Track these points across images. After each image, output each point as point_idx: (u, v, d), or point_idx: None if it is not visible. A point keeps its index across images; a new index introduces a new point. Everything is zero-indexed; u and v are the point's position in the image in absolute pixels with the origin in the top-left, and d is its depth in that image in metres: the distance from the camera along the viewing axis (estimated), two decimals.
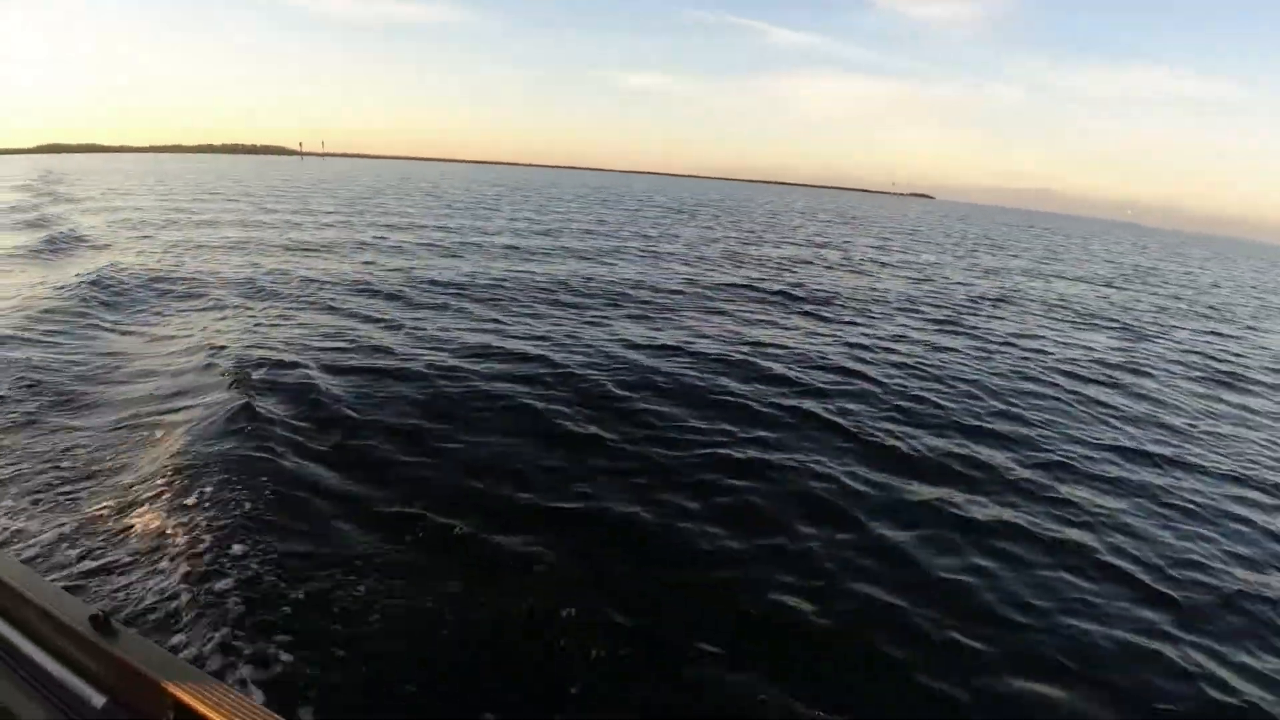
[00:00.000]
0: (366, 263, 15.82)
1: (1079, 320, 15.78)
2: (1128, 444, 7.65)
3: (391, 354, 8.16)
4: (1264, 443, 8.34)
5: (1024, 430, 7.73)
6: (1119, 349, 12.87)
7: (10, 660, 1.80)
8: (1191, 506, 6.26)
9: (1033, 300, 17.93)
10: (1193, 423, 8.78)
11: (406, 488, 4.95)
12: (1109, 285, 23.45)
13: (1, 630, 1.86)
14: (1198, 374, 11.71)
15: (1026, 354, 11.57)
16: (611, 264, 17.84)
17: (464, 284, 13.63)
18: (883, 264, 23.10)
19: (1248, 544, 5.72)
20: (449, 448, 5.69)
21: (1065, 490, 6.28)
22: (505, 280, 14.30)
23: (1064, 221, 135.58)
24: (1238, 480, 7.00)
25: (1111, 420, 8.46)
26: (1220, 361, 12.98)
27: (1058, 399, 9.08)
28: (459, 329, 9.99)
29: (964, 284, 19.61)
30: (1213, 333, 16.38)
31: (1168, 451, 7.57)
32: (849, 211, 70.74)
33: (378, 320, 10.21)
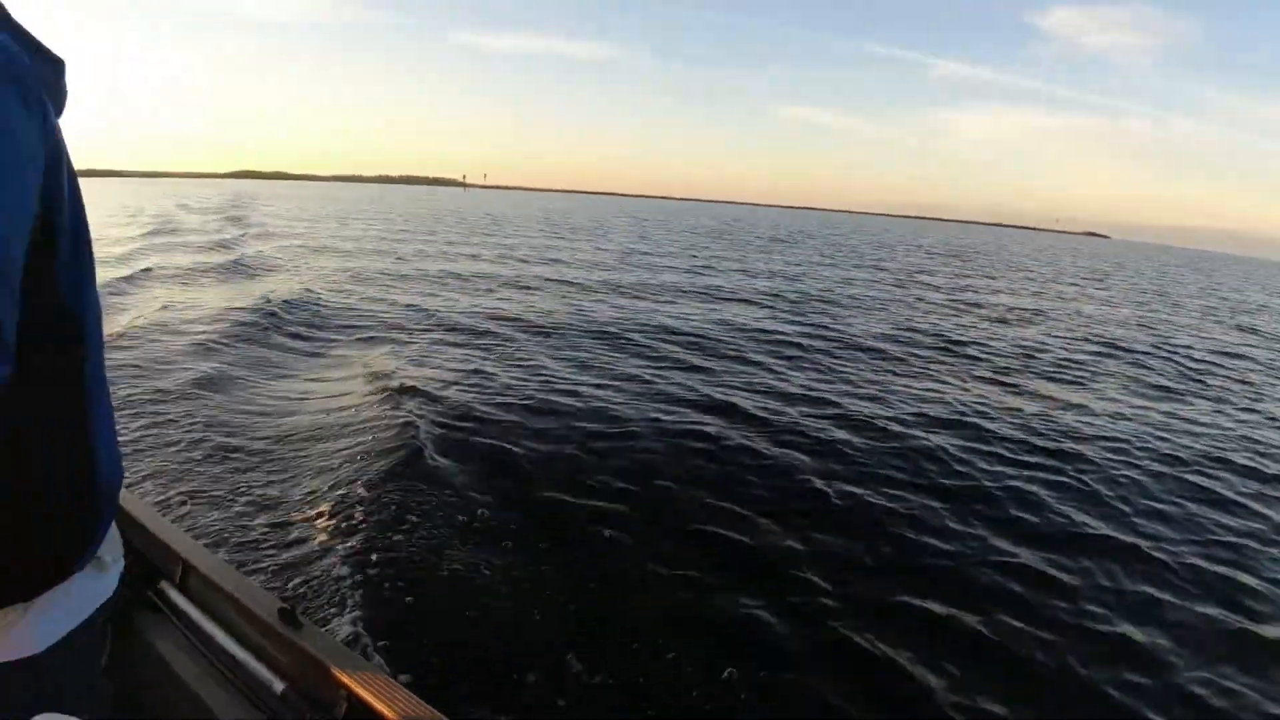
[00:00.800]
0: (534, 295, 14.92)
1: None
2: None
3: (562, 393, 7.62)
4: None
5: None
6: None
7: (203, 646, 1.96)
8: None
9: None
10: None
11: (565, 521, 4.86)
12: None
13: (196, 618, 1.98)
14: None
15: None
16: (837, 310, 15.45)
17: (656, 325, 12.05)
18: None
19: None
20: (602, 484, 5.39)
21: None
22: (699, 322, 12.65)
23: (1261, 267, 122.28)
24: None
25: None
26: None
27: None
28: (641, 370, 8.86)
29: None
30: None
31: None
32: (1042, 252, 63.89)
33: (553, 358, 9.40)
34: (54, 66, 0.92)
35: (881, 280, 22.96)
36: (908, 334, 12.88)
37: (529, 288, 15.96)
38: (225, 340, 9.14)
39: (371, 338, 10.26)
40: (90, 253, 0.95)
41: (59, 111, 0.90)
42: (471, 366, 8.55)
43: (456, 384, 7.68)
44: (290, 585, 3.86)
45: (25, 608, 0.94)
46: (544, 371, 8.51)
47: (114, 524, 1.07)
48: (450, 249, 24.37)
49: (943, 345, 12.10)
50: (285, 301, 11.94)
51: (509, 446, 5.98)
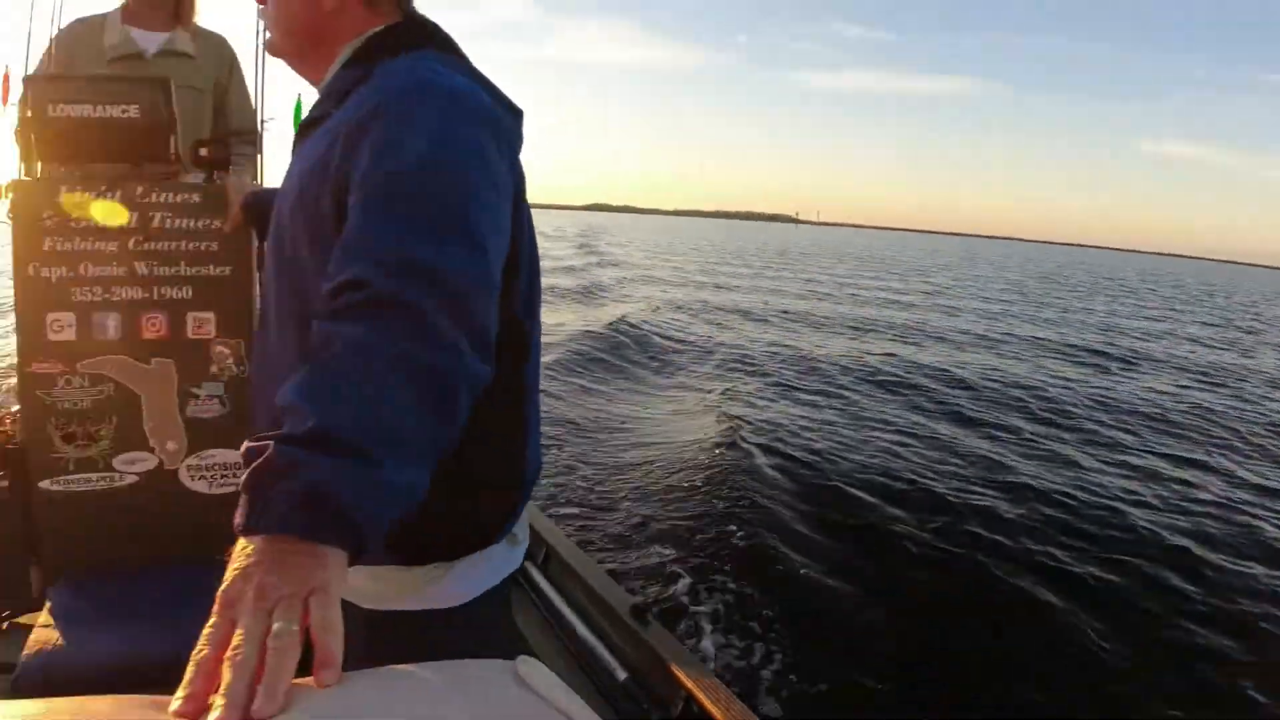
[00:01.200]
0: (868, 337, 14.23)
1: None
2: None
3: (892, 434, 7.59)
4: None
5: None
6: None
7: (556, 625, 2.18)
8: None
9: None
10: None
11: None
12: None
13: (554, 599, 2.24)
14: None
15: None
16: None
17: (1023, 387, 10.44)
18: None
19: None
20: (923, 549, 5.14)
21: None
22: (1084, 391, 10.61)
23: None
24: None
25: None
26: None
27: None
28: (992, 445, 7.67)
29: None
30: None
31: None
32: None
33: (888, 402, 9.12)
34: (514, 115, 1.04)
35: None
36: None
37: (861, 329, 15.60)
38: (578, 358, 9.94)
39: (706, 364, 10.65)
40: (539, 279, 1.10)
41: (517, 153, 1.01)
42: (807, 402, 8.67)
43: (792, 423, 7.76)
44: (636, 586, 4.20)
45: (447, 566, 1.07)
46: (880, 416, 8.40)
47: (524, 507, 1.17)
48: (779, 284, 24.49)
49: None
50: (629, 325, 12.75)
51: (840, 483, 6.01)
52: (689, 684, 1.86)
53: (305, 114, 1.11)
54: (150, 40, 2.51)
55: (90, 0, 2.62)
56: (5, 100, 2.38)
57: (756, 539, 4.93)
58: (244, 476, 0.66)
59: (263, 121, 2.59)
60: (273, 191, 1.81)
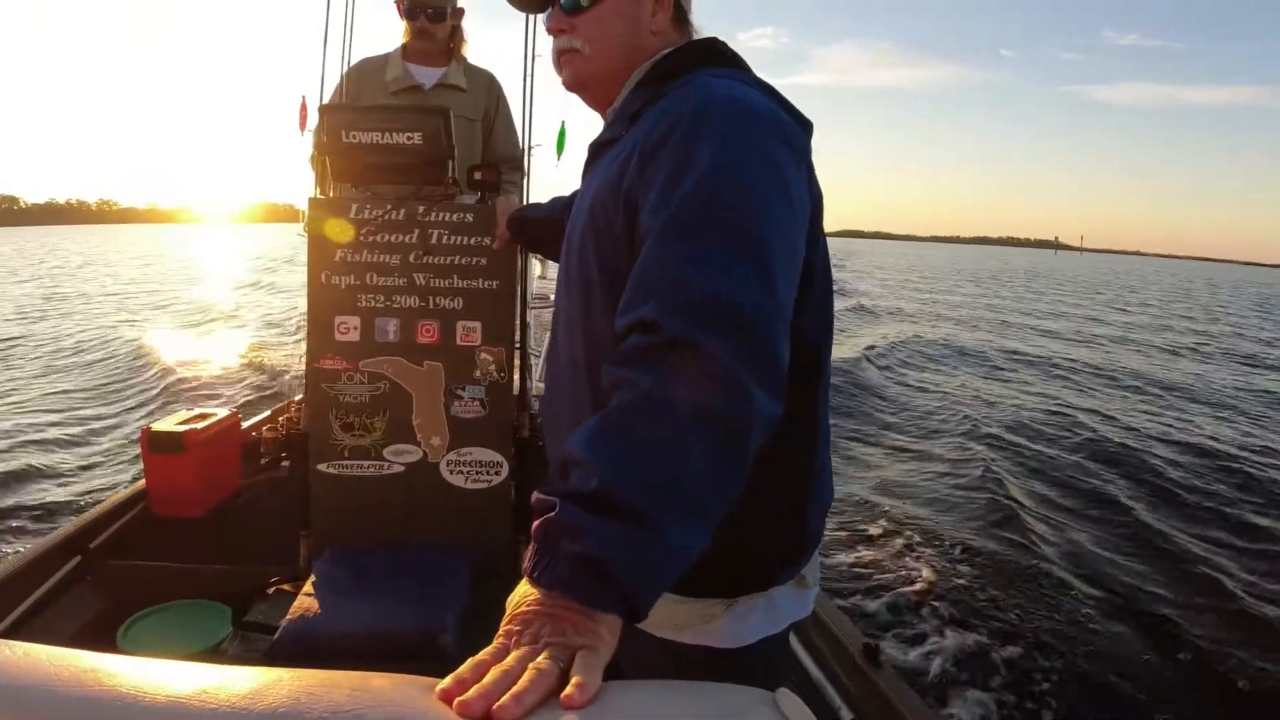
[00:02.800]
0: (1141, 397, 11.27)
1: None
2: None
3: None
4: None
5: None
6: None
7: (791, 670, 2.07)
8: None
9: None
10: None
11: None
12: None
13: (792, 645, 2.03)
14: None
15: None
16: None
17: None
18: None
19: None
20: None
21: None
22: None
23: None
24: None
25: None
26: None
27: None
28: None
29: None
30: None
31: None
32: None
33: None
34: (805, 129, 0.99)
35: None
36: None
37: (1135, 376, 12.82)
38: (846, 374, 10.01)
39: (953, 408, 9.96)
40: (831, 300, 1.03)
41: (812, 167, 0.97)
42: (1073, 442, 7.95)
43: (1049, 451, 7.41)
44: (877, 622, 4.03)
45: (726, 604, 1.01)
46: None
47: (817, 548, 1.10)
48: (1039, 318, 22.43)
49: None
50: (883, 350, 12.61)
51: (1096, 525, 5.58)
52: None
53: (594, 139, 1.12)
54: (427, 75, 2.79)
55: (374, 41, 2.97)
56: (303, 127, 2.74)
57: (1003, 582, 4.62)
58: (534, 526, 0.69)
59: (529, 147, 2.78)
60: (536, 208, 1.93)
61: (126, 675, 0.51)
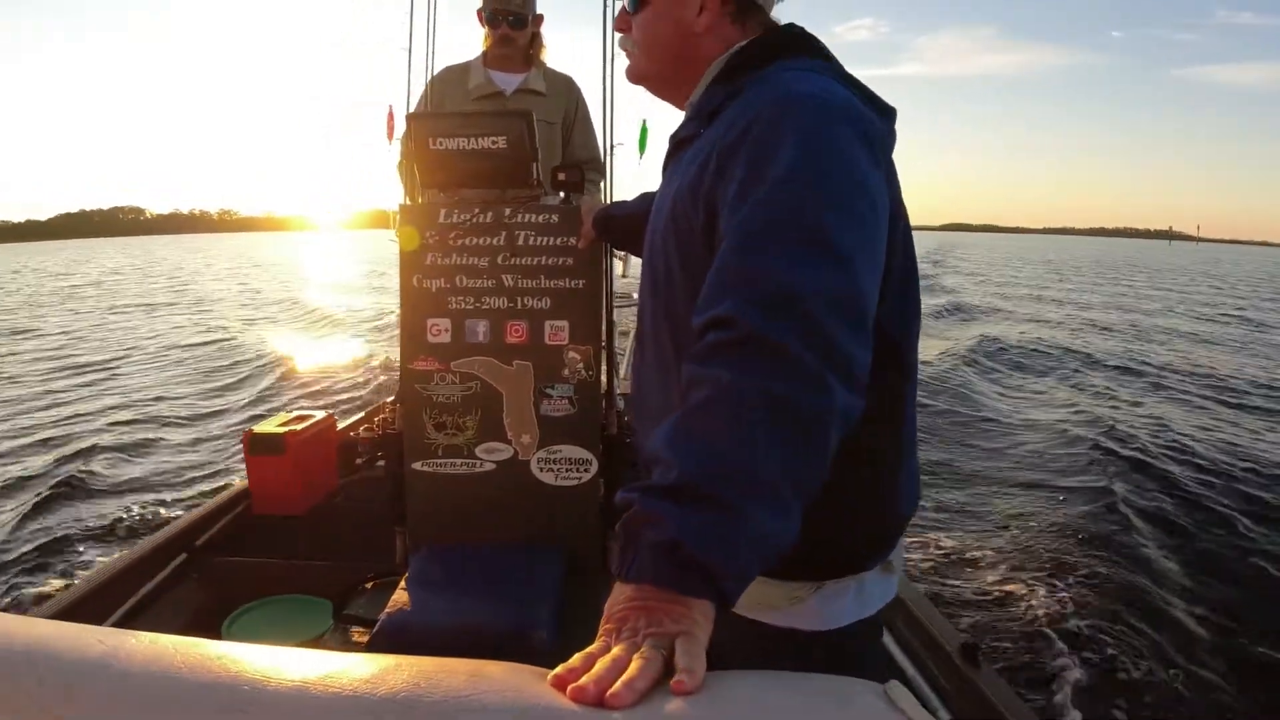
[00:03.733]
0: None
1: None
2: None
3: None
4: None
5: None
6: None
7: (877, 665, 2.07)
8: None
9: None
10: None
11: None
12: None
13: (886, 641, 2.02)
14: None
15: None
16: None
17: None
18: None
19: None
20: None
21: None
22: None
23: None
24: None
25: None
26: None
27: None
28: None
29: None
30: None
31: None
32: None
33: None
34: (886, 117, 0.99)
35: None
36: None
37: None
38: (944, 377, 9.91)
39: (1076, 382, 10.12)
40: (916, 284, 1.02)
41: (890, 152, 0.97)
42: (1194, 423, 7.83)
43: (1178, 447, 7.08)
44: (976, 620, 3.93)
45: (815, 587, 1.02)
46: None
47: (902, 536, 1.11)
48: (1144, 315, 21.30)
49: None
50: (987, 346, 12.47)
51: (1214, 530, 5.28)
52: None
53: (673, 133, 1.14)
54: (508, 81, 2.85)
55: (456, 50, 3.04)
56: (391, 136, 2.82)
57: (1121, 578, 4.43)
58: (618, 525, 0.72)
59: (611, 146, 2.80)
60: (622, 206, 1.94)
61: (250, 661, 0.53)
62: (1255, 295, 28.60)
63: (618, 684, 0.54)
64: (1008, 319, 17.07)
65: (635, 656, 0.59)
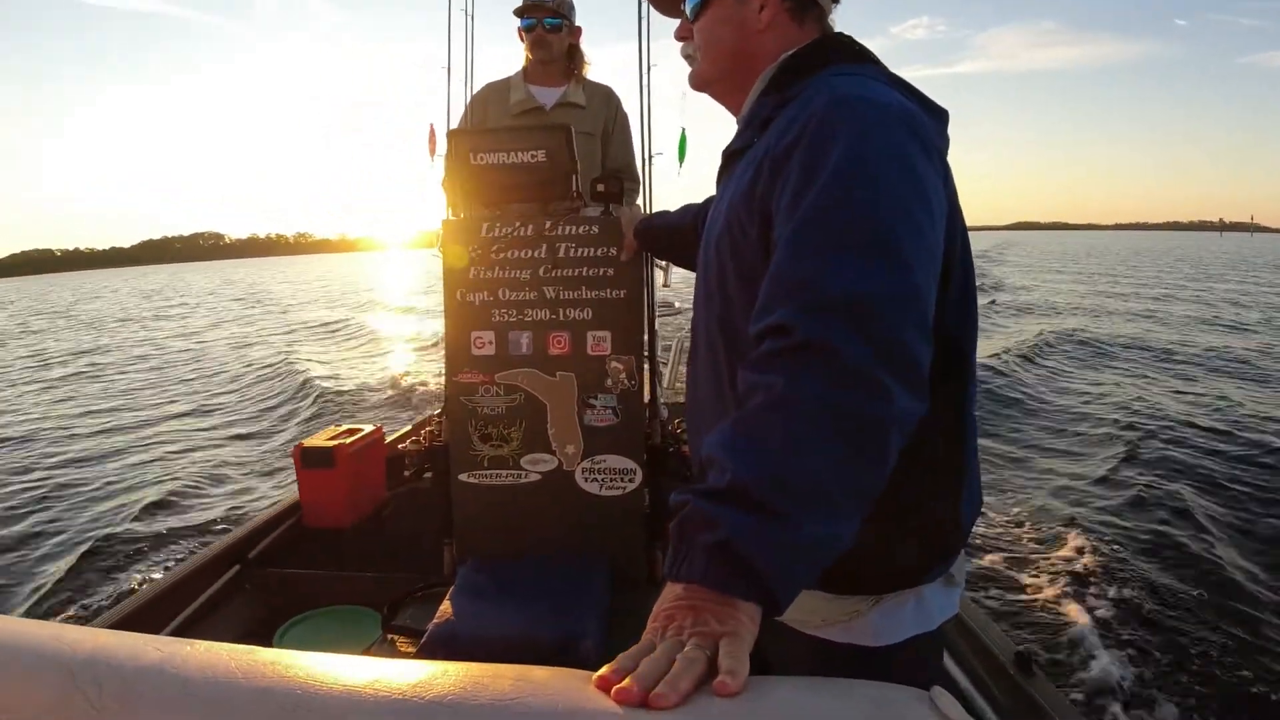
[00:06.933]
0: None
1: None
2: None
3: None
4: None
5: None
6: None
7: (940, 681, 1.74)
8: None
9: None
10: None
11: None
12: None
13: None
14: None
15: None
16: None
17: None
18: None
19: None
20: None
21: None
22: None
23: None
24: None
25: None
26: None
27: None
28: None
29: None
30: None
31: None
32: None
33: None
34: (939, 119, 0.99)
35: None
36: None
37: None
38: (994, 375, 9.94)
39: (1135, 382, 9.98)
40: (974, 287, 1.02)
41: (945, 155, 0.96)
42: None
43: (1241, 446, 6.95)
44: (1031, 629, 3.90)
45: (874, 601, 1.01)
46: None
47: (964, 547, 1.10)
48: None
49: None
50: (1033, 349, 12.35)
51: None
52: None
53: (726, 145, 1.14)
54: (548, 95, 2.88)
55: (495, 66, 3.08)
56: (433, 152, 2.86)
57: (1181, 586, 4.33)
58: (671, 525, 0.72)
59: (649, 156, 2.81)
60: (664, 216, 1.95)
61: (302, 668, 0.55)
62: None
63: (661, 685, 0.55)
64: (1059, 315, 16.91)
65: (679, 657, 0.59)
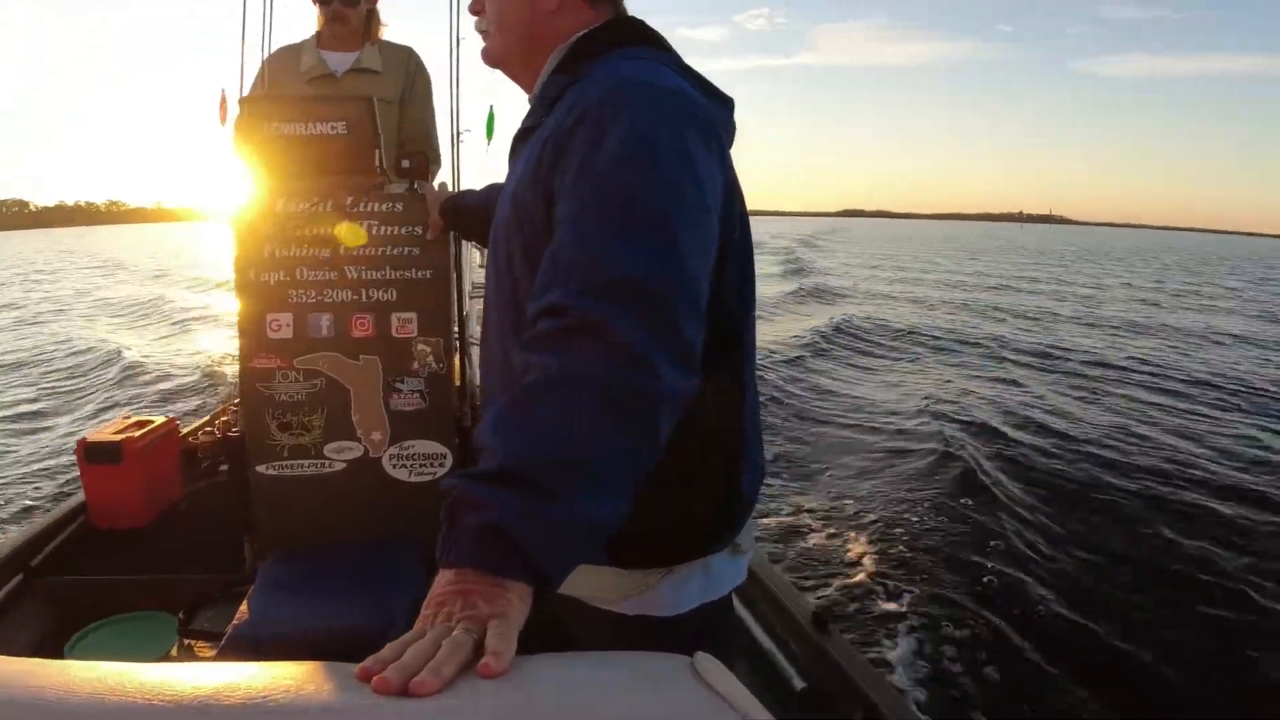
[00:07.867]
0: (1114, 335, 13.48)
1: None
2: None
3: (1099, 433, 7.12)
4: None
5: None
6: None
7: (742, 640, 2.11)
8: None
9: None
10: None
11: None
12: None
13: (736, 609, 1.97)
14: None
15: None
16: None
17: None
18: None
19: None
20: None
21: None
22: None
23: None
24: None
25: None
26: None
27: None
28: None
29: None
30: None
31: None
32: None
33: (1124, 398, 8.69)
34: (724, 105, 1.03)
35: None
36: None
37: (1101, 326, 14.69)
38: (797, 358, 10.30)
39: (918, 361, 10.70)
40: (752, 268, 1.05)
41: (730, 143, 1.00)
42: (1021, 398, 8.45)
43: (1011, 417, 7.64)
44: (827, 592, 4.07)
45: (663, 574, 1.04)
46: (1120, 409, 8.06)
47: (750, 516, 1.13)
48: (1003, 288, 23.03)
49: None
50: (839, 326, 12.97)
51: (1063, 480, 5.83)
52: (869, 693, 1.80)
53: (521, 122, 1.13)
54: (340, 61, 2.72)
55: (293, 28, 2.88)
56: (224, 120, 2.67)
57: (960, 546, 4.69)
58: (442, 510, 0.72)
59: (457, 134, 2.73)
60: (468, 195, 1.90)
61: (81, 679, 0.51)
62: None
63: (424, 671, 0.54)
64: (862, 301, 17.80)
65: (445, 642, 0.58)
